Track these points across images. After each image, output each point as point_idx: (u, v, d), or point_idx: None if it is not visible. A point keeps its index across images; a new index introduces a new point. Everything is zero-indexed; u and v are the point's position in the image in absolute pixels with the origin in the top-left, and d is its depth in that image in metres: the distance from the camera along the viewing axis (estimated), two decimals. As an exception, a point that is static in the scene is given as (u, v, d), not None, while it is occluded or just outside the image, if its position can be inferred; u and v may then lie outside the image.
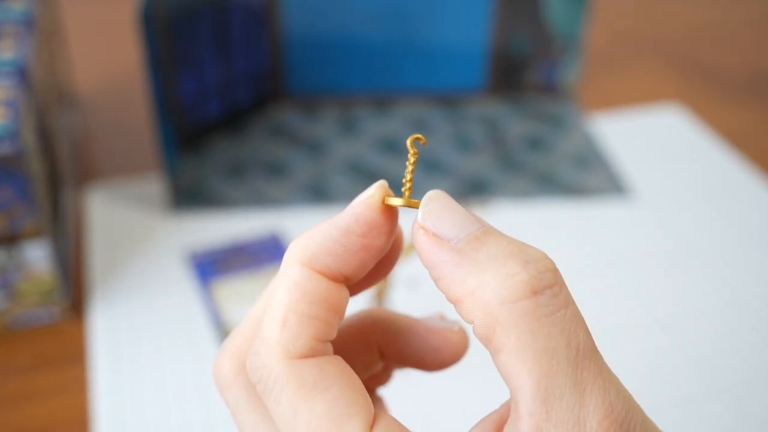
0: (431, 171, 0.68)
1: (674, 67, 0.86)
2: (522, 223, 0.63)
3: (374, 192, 0.23)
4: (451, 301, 0.21)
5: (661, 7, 0.99)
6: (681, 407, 0.48)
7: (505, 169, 0.68)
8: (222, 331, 0.53)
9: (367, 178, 0.67)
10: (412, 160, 0.23)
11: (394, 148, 0.71)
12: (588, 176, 0.68)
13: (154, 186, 0.66)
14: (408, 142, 0.23)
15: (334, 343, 0.23)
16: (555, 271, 0.20)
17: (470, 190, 0.66)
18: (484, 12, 0.73)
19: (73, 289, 0.56)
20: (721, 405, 0.49)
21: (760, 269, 0.59)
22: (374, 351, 0.26)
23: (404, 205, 0.23)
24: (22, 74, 0.51)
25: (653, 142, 0.73)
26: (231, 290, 0.56)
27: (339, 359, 0.22)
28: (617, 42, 0.91)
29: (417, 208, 0.22)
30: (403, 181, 0.23)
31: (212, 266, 0.58)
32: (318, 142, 0.71)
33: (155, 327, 0.53)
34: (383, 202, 0.23)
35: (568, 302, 0.20)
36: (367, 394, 0.22)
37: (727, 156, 0.71)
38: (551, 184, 0.67)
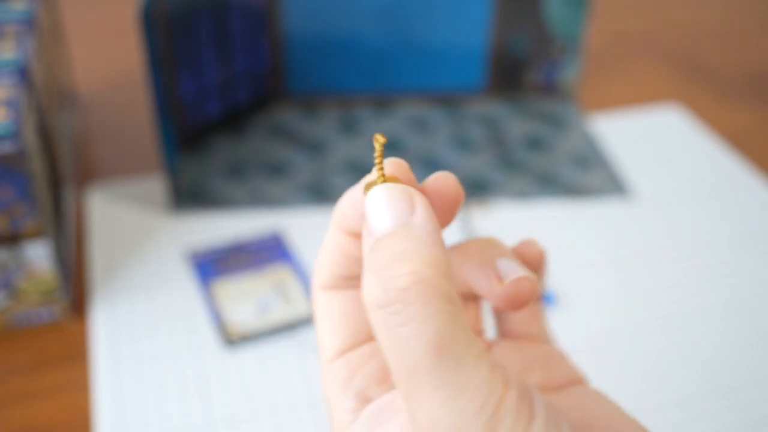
0: (432, 171, 0.68)
1: (674, 67, 0.86)
2: (522, 223, 0.63)
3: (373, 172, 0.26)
4: None
5: (660, 7, 0.99)
6: (681, 407, 0.48)
7: (505, 169, 0.69)
8: (223, 330, 0.53)
9: (368, 178, 0.67)
10: (377, 157, 0.24)
11: (394, 148, 0.71)
12: (588, 176, 0.68)
13: (154, 186, 0.66)
14: (378, 143, 0.24)
15: None
16: (402, 291, 0.21)
17: (470, 190, 0.66)
18: (483, 12, 0.73)
19: (74, 288, 0.56)
20: (721, 404, 0.49)
21: (759, 268, 0.59)
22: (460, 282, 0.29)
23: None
24: (22, 74, 0.51)
25: (653, 142, 0.73)
26: (232, 290, 0.56)
27: (353, 294, 0.27)
28: (617, 42, 0.91)
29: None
30: (375, 174, 0.25)
31: (213, 266, 0.58)
32: (318, 142, 0.72)
33: (156, 326, 0.53)
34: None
35: (407, 323, 0.21)
36: (366, 327, 0.27)
37: (726, 156, 0.71)
38: (551, 184, 0.67)
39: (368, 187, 0.24)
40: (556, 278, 0.58)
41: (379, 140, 0.24)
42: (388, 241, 0.22)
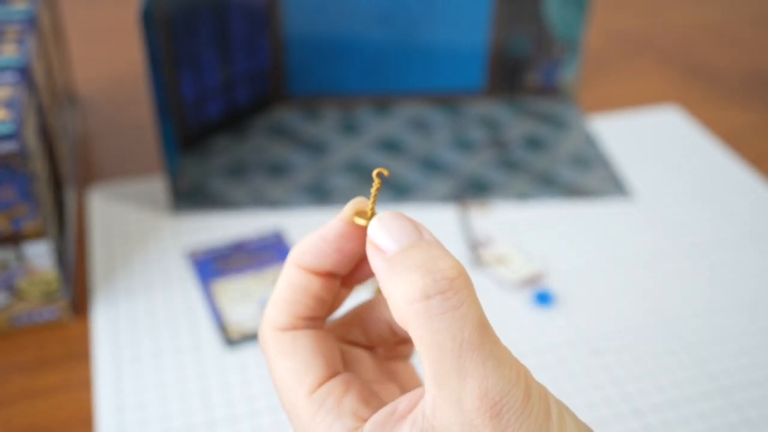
0: (432, 171, 0.68)
1: (672, 68, 0.87)
2: (522, 223, 0.63)
3: (346, 209, 0.29)
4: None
5: (659, 8, 1.00)
6: (680, 406, 0.49)
7: (505, 170, 0.69)
8: (223, 329, 0.53)
9: (368, 178, 0.67)
10: (374, 190, 0.28)
11: (394, 148, 0.71)
12: (587, 176, 0.68)
13: (155, 186, 0.66)
14: (374, 173, 0.28)
15: (353, 318, 0.32)
16: (453, 280, 0.25)
17: (470, 190, 0.66)
18: (483, 13, 0.73)
19: (75, 287, 0.56)
20: (721, 404, 0.49)
21: (758, 268, 0.59)
22: (384, 327, 0.32)
23: (365, 225, 0.28)
24: (23, 74, 0.51)
25: (652, 142, 0.73)
26: (232, 289, 0.56)
27: (315, 333, 0.30)
28: (615, 42, 0.91)
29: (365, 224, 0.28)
30: (369, 203, 0.28)
31: (213, 265, 0.58)
32: (318, 142, 0.72)
33: (157, 325, 0.53)
34: (351, 218, 0.29)
35: (460, 305, 0.25)
36: (333, 362, 0.29)
37: (725, 156, 0.71)
38: (551, 184, 0.67)
39: (360, 215, 0.28)
40: (556, 278, 0.58)
41: (384, 173, 0.28)
42: (417, 249, 0.26)
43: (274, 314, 0.29)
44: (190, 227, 0.62)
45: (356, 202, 0.29)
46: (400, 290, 0.25)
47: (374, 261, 0.26)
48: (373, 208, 0.28)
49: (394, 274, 0.25)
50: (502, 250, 0.60)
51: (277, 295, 0.29)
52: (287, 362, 0.29)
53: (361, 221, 0.28)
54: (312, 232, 0.29)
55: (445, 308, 0.24)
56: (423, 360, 0.25)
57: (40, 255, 0.50)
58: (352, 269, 0.31)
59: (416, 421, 0.25)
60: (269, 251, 0.59)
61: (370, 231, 0.27)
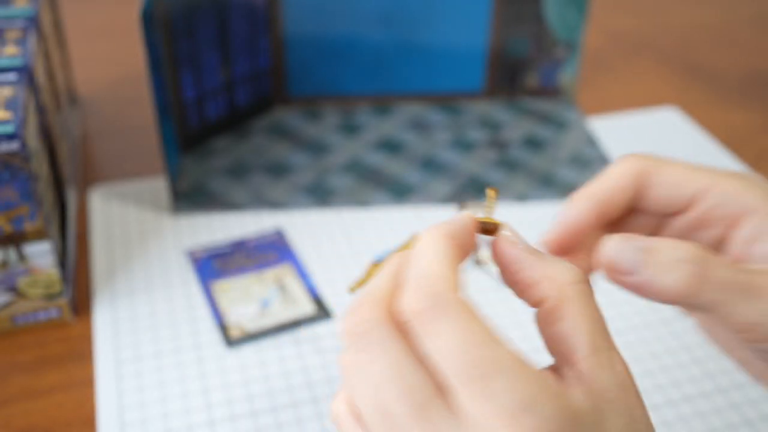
0: (432, 171, 0.68)
1: (671, 68, 0.87)
2: (521, 224, 0.63)
3: (465, 214, 0.33)
4: (528, 285, 0.31)
5: (658, 8, 1.00)
6: (680, 406, 0.49)
7: (505, 170, 0.69)
8: (224, 329, 0.53)
9: (368, 179, 0.67)
10: (491, 203, 0.34)
11: (394, 148, 0.71)
12: (587, 177, 0.68)
13: (156, 186, 0.66)
14: (489, 191, 0.34)
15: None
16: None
17: (470, 190, 0.66)
18: (483, 14, 0.73)
19: (76, 287, 0.57)
20: (721, 403, 0.49)
21: (758, 269, 0.59)
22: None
23: (487, 221, 0.34)
24: (24, 74, 0.51)
25: (651, 143, 0.73)
26: (233, 289, 0.56)
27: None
28: (615, 43, 0.91)
29: (494, 225, 0.34)
30: (486, 212, 0.34)
31: (214, 265, 0.58)
32: (319, 142, 0.72)
33: (158, 325, 0.53)
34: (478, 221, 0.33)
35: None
36: None
37: (724, 156, 0.72)
38: (550, 184, 0.67)
39: (495, 224, 0.34)
40: (555, 278, 0.58)
41: (497, 191, 0.34)
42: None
43: (453, 277, 0.29)
44: (190, 227, 0.62)
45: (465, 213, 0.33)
46: (564, 274, 0.30)
47: (517, 253, 0.32)
48: (489, 214, 0.34)
49: (548, 262, 0.31)
50: (502, 251, 0.60)
51: (448, 259, 0.30)
52: (478, 322, 0.28)
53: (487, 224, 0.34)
54: (454, 217, 0.32)
55: (592, 291, 0.31)
56: (578, 332, 0.29)
57: (41, 255, 0.50)
58: None
59: (575, 386, 0.28)
60: (270, 251, 0.59)
61: (506, 231, 0.33)
